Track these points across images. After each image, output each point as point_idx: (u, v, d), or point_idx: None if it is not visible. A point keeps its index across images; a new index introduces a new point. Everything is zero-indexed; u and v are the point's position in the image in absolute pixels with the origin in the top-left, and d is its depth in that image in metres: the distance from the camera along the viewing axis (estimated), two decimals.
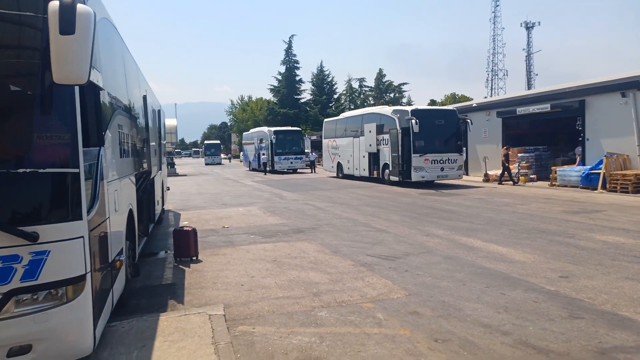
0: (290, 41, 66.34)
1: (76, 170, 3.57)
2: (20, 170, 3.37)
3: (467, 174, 25.50)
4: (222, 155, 73.09)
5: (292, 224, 11.60)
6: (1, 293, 3.29)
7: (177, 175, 35.43)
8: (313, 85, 68.20)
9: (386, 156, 22.14)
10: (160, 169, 11.93)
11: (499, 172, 22.65)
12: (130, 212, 6.19)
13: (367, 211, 13.59)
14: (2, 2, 3.44)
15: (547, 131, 25.93)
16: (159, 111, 12.25)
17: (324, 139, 30.97)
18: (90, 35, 3.26)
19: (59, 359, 3.58)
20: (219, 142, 76.28)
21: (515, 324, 4.90)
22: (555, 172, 19.67)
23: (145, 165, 8.32)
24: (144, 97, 8.95)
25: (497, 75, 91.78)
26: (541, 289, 6.08)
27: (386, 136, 22.03)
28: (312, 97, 67.67)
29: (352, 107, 65.54)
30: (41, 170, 3.42)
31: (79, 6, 3.18)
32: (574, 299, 5.65)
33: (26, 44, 3.60)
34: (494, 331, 4.73)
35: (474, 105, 27.84)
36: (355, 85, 72.49)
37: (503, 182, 21.37)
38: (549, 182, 20.04)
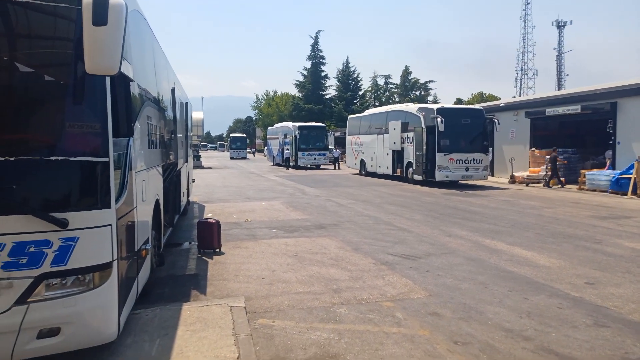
0: (316, 37, 66.36)
1: (106, 160, 3.65)
2: (52, 158, 3.46)
3: (492, 175, 25.11)
4: (248, 150, 70.21)
5: (314, 220, 11.63)
6: (33, 276, 3.40)
7: (203, 167, 35.86)
8: (338, 81, 68.12)
9: (410, 154, 21.96)
10: (187, 161, 12.10)
11: (525, 174, 22.26)
12: (157, 202, 6.30)
13: (390, 209, 13.53)
14: None
15: (577, 133, 25.32)
16: (186, 104, 12.41)
17: (348, 135, 30.90)
18: (121, 27, 3.32)
19: (85, 343, 3.68)
20: (244, 135, 72.49)
21: (538, 330, 4.82)
22: (584, 176, 19.21)
23: (172, 157, 8.45)
24: (173, 90, 9.08)
25: (526, 74, 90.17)
26: (566, 295, 5.96)
27: (411, 134, 21.85)
28: (337, 93, 67.61)
29: (377, 104, 65.23)
30: (72, 159, 3.51)
31: None
32: (600, 307, 5.52)
33: (61, 34, 3.69)
34: (515, 336, 4.67)
35: (501, 104, 27.37)
36: (381, 82, 72.14)
37: (552, 186, 20.53)
38: (577, 186, 19.59)
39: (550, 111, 22.48)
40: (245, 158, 60.61)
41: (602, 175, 18.38)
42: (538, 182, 21.44)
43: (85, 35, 3.23)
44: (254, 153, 78.40)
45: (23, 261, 3.36)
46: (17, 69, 3.57)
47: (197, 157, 36.35)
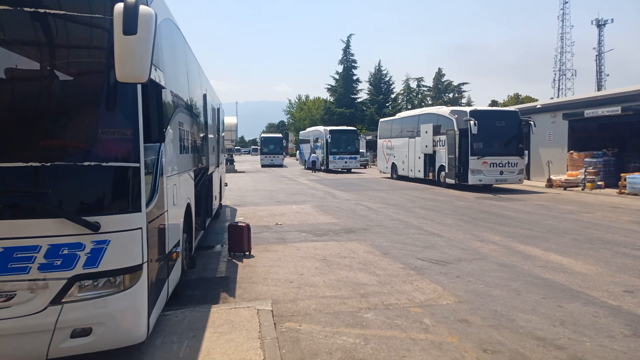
0: (348, 40, 66.51)
1: (137, 165, 3.75)
2: (85, 164, 3.59)
3: (528, 179, 24.49)
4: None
5: (343, 224, 11.61)
6: (66, 278, 3.53)
7: (236, 171, 36.34)
8: (370, 84, 67.97)
9: (442, 158, 21.66)
10: (218, 166, 12.29)
11: (563, 177, 21.63)
12: (188, 206, 6.43)
13: (420, 214, 13.38)
14: (74, 5, 3.67)
15: (618, 135, 24.41)
16: (218, 109, 12.60)
17: (379, 139, 30.75)
18: (151, 36, 3.40)
19: (115, 343, 3.79)
20: (280, 135, 55.89)
21: (572, 339, 4.67)
22: (625, 179, 18.50)
23: (203, 162, 8.60)
24: (204, 96, 9.25)
25: (564, 75, 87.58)
26: (602, 303, 5.75)
27: (443, 137, 21.56)
28: (368, 96, 67.48)
29: (409, 107, 64.69)
30: (104, 164, 3.63)
31: (141, 7, 3.33)
32: (639, 317, 5.30)
33: (94, 44, 3.81)
34: (547, 345, 4.53)
35: (538, 106, 26.68)
36: (413, 85, 71.67)
37: None
38: (617, 190, 18.88)
39: (589, 113, 21.76)
40: (281, 166, 46.72)
41: None
42: (576, 186, 20.78)
43: (116, 44, 3.33)
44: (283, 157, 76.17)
45: (57, 263, 3.49)
46: (52, 77, 3.71)
47: (231, 162, 36.78)
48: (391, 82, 68.31)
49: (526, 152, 22.39)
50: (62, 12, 3.61)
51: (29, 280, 3.47)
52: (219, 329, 4.71)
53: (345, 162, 36.17)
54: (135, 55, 3.33)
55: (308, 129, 46.86)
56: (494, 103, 69.72)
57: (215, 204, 11.72)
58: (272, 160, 46.44)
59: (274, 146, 47.64)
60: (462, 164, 20.00)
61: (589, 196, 18.29)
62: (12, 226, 3.43)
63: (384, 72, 68.14)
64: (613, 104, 20.66)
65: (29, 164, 3.49)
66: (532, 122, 21.22)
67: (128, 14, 3.29)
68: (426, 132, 22.91)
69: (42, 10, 3.56)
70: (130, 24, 3.29)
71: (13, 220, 3.45)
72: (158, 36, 3.89)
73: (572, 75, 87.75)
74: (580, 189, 20.41)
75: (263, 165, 45.83)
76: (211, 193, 10.46)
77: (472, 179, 19.67)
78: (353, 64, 66.54)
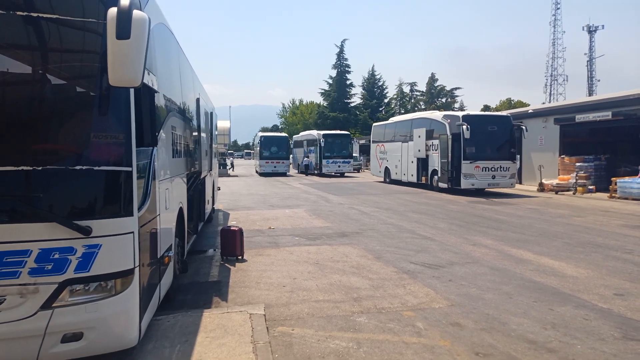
0: (342, 45, 66.69)
1: (129, 169, 3.74)
2: (77, 167, 3.57)
3: (520, 183, 24.63)
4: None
5: (336, 228, 11.62)
6: (57, 282, 3.50)
7: (229, 175, 36.22)
8: (363, 89, 68.25)
9: (435, 162, 21.76)
10: (211, 170, 12.26)
11: (555, 181, 21.79)
12: (181, 210, 6.40)
13: (413, 218, 13.41)
14: (68, 9, 3.67)
15: (609, 140, 24.65)
16: (211, 113, 12.58)
17: (372, 143, 30.85)
18: (144, 40, 3.40)
19: (107, 348, 3.76)
20: (285, 135, 43.54)
21: (563, 342, 4.70)
22: (615, 184, 18.67)
23: (196, 166, 8.57)
24: (197, 100, 9.24)
25: (556, 80, 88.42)
26: (593, 306, 5.80)
27: (436, 142, 21.67)
28: (362, 101, 67.73)
29: (403, 111, 65.00)
30: (96, 168, 3.61)
31: (135, 12, 3.34)
32: (629, 319, 5.35)
33: (87, 48, 3.80)
34: (539, 348, 4.56)
35: (529, 111, 26.90)
36: (406, 89, 72.05)
37: None
38: (608, 194, 19.04)
39: (580, 118, 21.95)
40: (285, 174, 37.10)
41: (635, 183, 17.84)
42: (568, 190, 20.94)
43: (109, 48, 3.33)
44: None
45: (48, 267, 3.47)
46: (44, 81, 3.69)
47: (224, 166, 36.52)
48: (384, 86, 68.74)
49: (518, 156, 22.56)
50: (55, 16, 3.60)
51: (19, 284, 3.44)
52: (211, 333, 4.69)
53: (339, 166, 36.24)
54: (128, 59, 3.32)
55: (302, 133, 46.84)
56: (486, 108, 70.23)
57: (208, 208, 11.68)
58: (275, 167, 36.74)
59: (277, 149, 37.53)
60: (455, 168, 20.11)
61: (580, 200, 18.43)
62: (2, 230, 3.41)
63: (378, 76, 68.54)
64: (604, 109, 20.86)
65: (20, 168, 3.47)
66: (523, 127, 21.39)
67: (121, 18, 3.29)
68: (419, 136, 23.02)
69: (35, 14, 3.55)
70: (124, 28, 3.29)
71: (3, 224, 3.42)
72: (151, 40, 3.89)
73: (564, 80, 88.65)
74: (571, 193, 20.58)
75: (262, 174, 36.69)
76: (204, 197, 10.44)
77: (464, 183, 19.77)
78: (347, 69, 66.78)
